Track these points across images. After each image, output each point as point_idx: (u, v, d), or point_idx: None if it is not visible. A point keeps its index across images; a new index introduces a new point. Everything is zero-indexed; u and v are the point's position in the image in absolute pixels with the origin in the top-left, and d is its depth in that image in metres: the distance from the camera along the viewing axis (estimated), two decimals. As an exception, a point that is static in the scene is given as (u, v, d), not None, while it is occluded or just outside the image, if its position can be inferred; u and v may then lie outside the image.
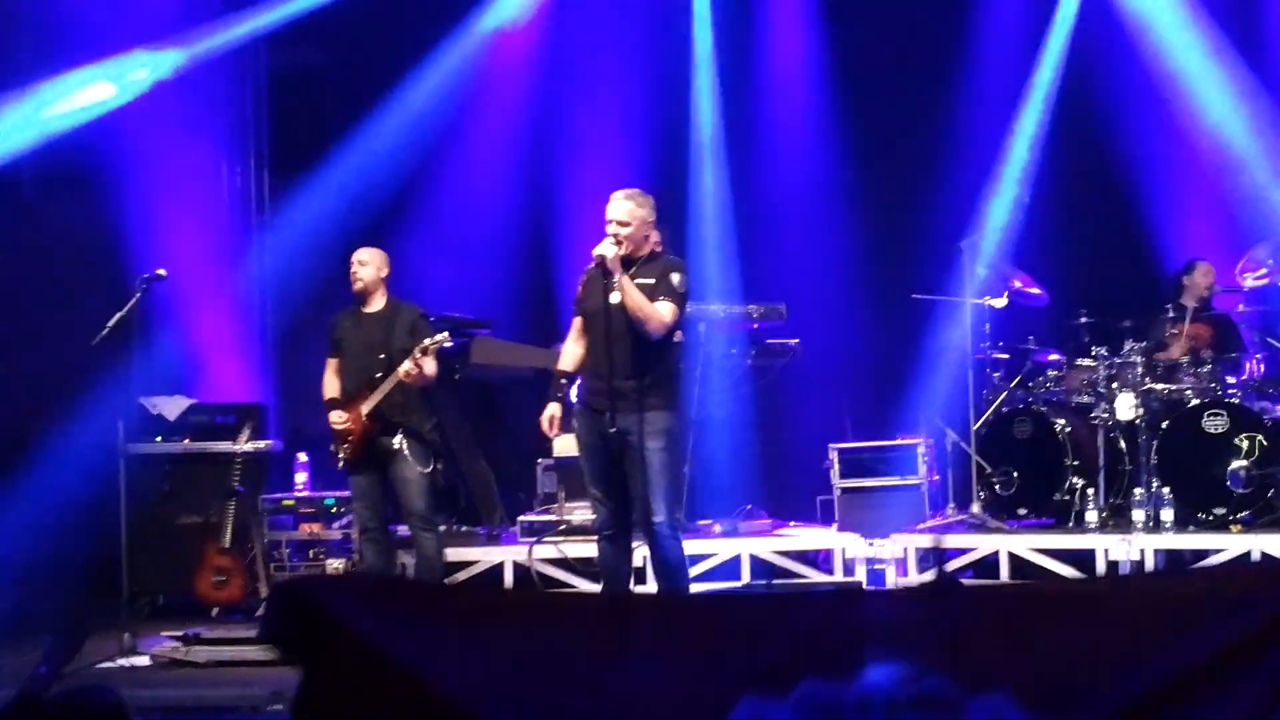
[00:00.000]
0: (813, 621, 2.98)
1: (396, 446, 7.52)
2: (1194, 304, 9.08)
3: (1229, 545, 7.77)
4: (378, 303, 7.76)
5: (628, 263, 6.76)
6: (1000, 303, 9.12)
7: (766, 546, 8.66)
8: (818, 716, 1.91)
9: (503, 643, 3.01)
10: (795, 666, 2.66)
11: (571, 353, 7.01)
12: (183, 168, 9.73)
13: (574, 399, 7.09)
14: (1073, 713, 2.70)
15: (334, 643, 3.02)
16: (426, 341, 7.46)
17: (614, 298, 6.70)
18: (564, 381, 7.01)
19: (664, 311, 6.71)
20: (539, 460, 9.33)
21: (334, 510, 8.77)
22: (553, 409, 6.96)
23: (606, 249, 6.70)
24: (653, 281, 6.76)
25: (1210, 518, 8.08)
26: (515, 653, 3.00)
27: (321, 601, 3.08)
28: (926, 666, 1.80)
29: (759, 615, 3.15)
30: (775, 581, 8.23)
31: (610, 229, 6.75)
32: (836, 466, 9.19)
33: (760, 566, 8.53)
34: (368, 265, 7.72)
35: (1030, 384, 8.96)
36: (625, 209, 6.79)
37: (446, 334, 7.61)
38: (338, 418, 7.59)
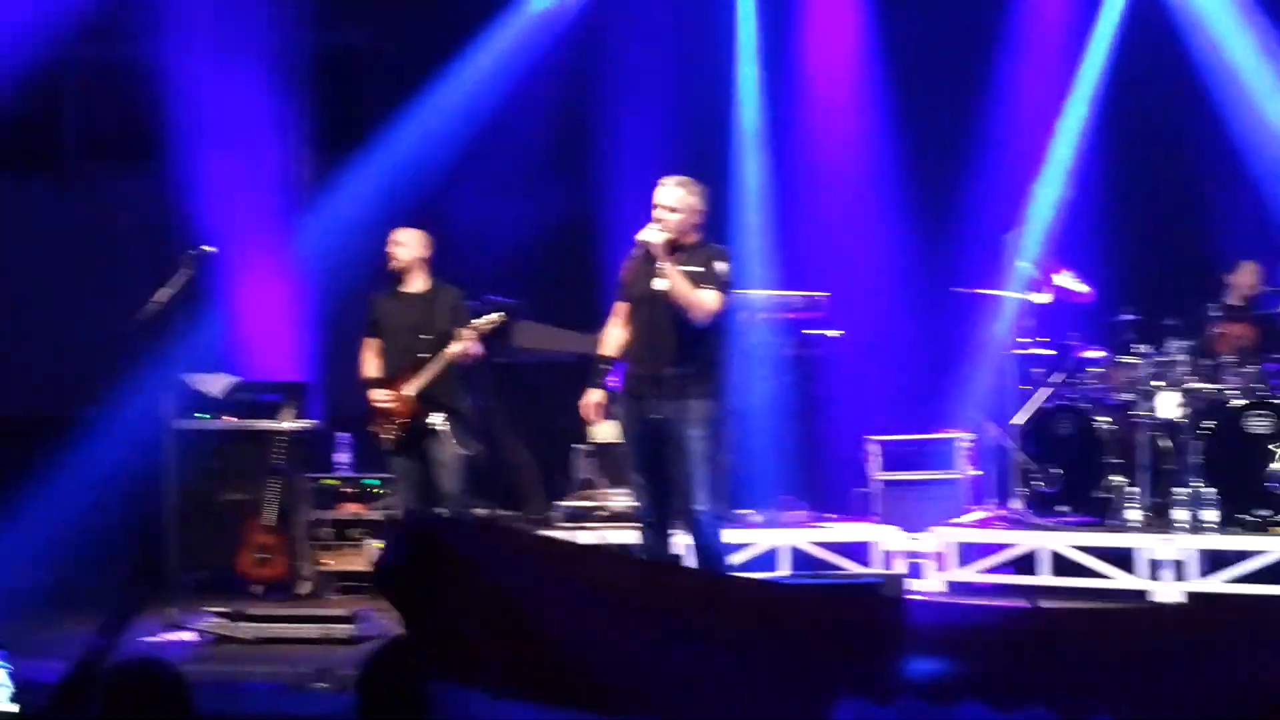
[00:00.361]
0: (912, 629, 2.99)
1: (439, 427, 7.53)
2: (1239, 303, 9.05)
3: (1272, 547, 7.75)
4: (418, 283, 7.78)
5: (673, 250, 6.77)
6: (1044, 298, 9.09)
7: (805, 538, 8.66)
8: None
9: (610, 598, 3.05)
10: (894, 675, 2.69)
11: (614, 338, 7.01)
12: (232, 146, 9.77)
13: (612, 384, 7.11)
14: None
15: (453, 578, 3.04)
16: (482, 320, 7.48)
17: (658, 284, 6.71)
18: (604, 367, 7.02)
19: (709, 299, 6.71)
20: (576, 446, 9.35)
21: (375, 491, 8.80)
22: (595, 395, 6.97)
23: (651, 234, 6.70)
24: (699, 269, 6.77)
25: (1253, 519, 8.05)
26: (625, 610, 3.05)
27: (444, 538, 3.12)
28: (1026, 693, 1.81)
29: (858, 613, 3.18)
30: (819, 573, 8.24)
31: (657, 214, 6.76)
32: (876, 459, 9.19)
33: (799, 557, 8.54)
34: (405, 245, 7.75)
35: (1073, 381, 8.93)
36: (675, 195, 6.79)
37: (503, 314, 7.62)
38: (382, 396, 7.61)
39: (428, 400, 7.57)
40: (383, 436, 7.70)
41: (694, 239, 6.88)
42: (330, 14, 9.96)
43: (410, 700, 3.09)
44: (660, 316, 6.73)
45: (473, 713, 3.18)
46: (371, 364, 7.79)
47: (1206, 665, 2.80)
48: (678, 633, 3.10)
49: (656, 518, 6.93)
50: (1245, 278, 9.12)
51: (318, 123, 10.46)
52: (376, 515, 8.71)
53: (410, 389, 7.60)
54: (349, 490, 8.84)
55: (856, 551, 8.64)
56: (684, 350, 6.73)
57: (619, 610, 3.13)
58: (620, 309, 7.00)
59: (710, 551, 6.86)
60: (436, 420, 7.56)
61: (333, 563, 8.65)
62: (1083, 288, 9.12)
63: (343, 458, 8.96)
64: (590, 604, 3.14)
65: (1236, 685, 2.77)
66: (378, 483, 8.71)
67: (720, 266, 6.81)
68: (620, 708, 3.07)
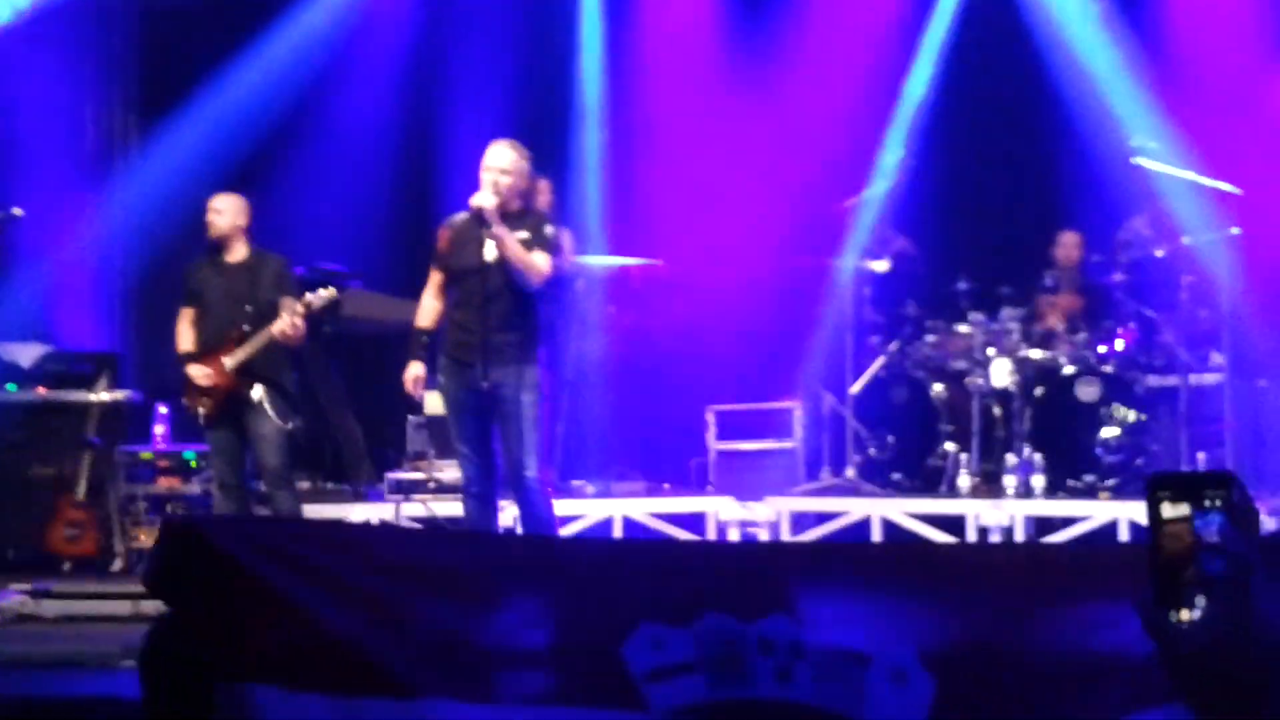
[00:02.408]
0: (718, 566, 2.93)
1: (256, 400, 7.27)
2: (1066, 273, 9.12)
3: (1097, 513, 7.81)
4: (239, 252, 7.49)
5: (502, 216, 6.61)
6: (881, 266, 9.08)
7: (639, 508, 8.55)
8: (718, 649, 1.82)
9: (389, 575, 2.91)
10: (699, 603, 2.60)
11: (431, 308, 6.85)
12: (43, 105, 9.35)
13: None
14: (969, 681, 2.64)
15: (222, 575, 2.89)
16: (310, 298, 7.23)
17: (489, 252, 6.55)
18: (425, 339, 6.84)
19: (542, 263, 6.61)
20: (409, 417, 9.13)
21: (193, 465, 8.49)
22: (416, 369, 6.80)
23: (485, 199, 6.53)
24: (527, 234, 6.63)
25: (1081, 485, 8.11)
26: (402, 582, 2.91)
27: (208, 537, 2.98)
28: (834, 619, 1.74)
29: (660, 556, 3.10)
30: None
31: (490, 176, 6.60)
32: (713, 428, 9.11)
33: (632, 528, 8.43)
34: (223, 213, 7.45)
35: (908, 349, 8.93)
36: (508, 158, 6.66)
37: (333, 290, 7.39)
38: (199, 372, 7.31)
39: (248, 372, 7.30)
40: (199, 410, 7.41)
41: (518, 205, 6.73)
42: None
43: (193, 686, 2.94)
44: (491, 283, 6.57)
45: (263, 706, 2.99)
46: (187, 336, 7.48)
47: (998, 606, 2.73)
48: (464, 600, 2.96)
49: (482, 488, 6.78)
50: (1066, 249, 9.19)
51: (140, 84, 10.05)
52: (194, 489, 8.40)
53: (230, 361, 7.31)
54: (165, 464, 8.51)
55: (692, 522, 8.54)
56: (515, 316, 6.62)
57: (403, 588, 2.97)
58: (436, 278, 6.84)
59: (541, 522, 6.71)
60: (256, 393, 7.29)
61: (147, 539, 8.31)
62: (914, 255, 9.11)
63: (159, 430, 8.63)
64: (370, 585, 2.98)
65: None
66: (195, 456, 8.40)
67: (549, 229, 6.74)
68: (418, 690, 2.91)
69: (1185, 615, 1.51)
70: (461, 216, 6.74)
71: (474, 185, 6.65)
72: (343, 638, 2.90)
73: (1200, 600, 1.51)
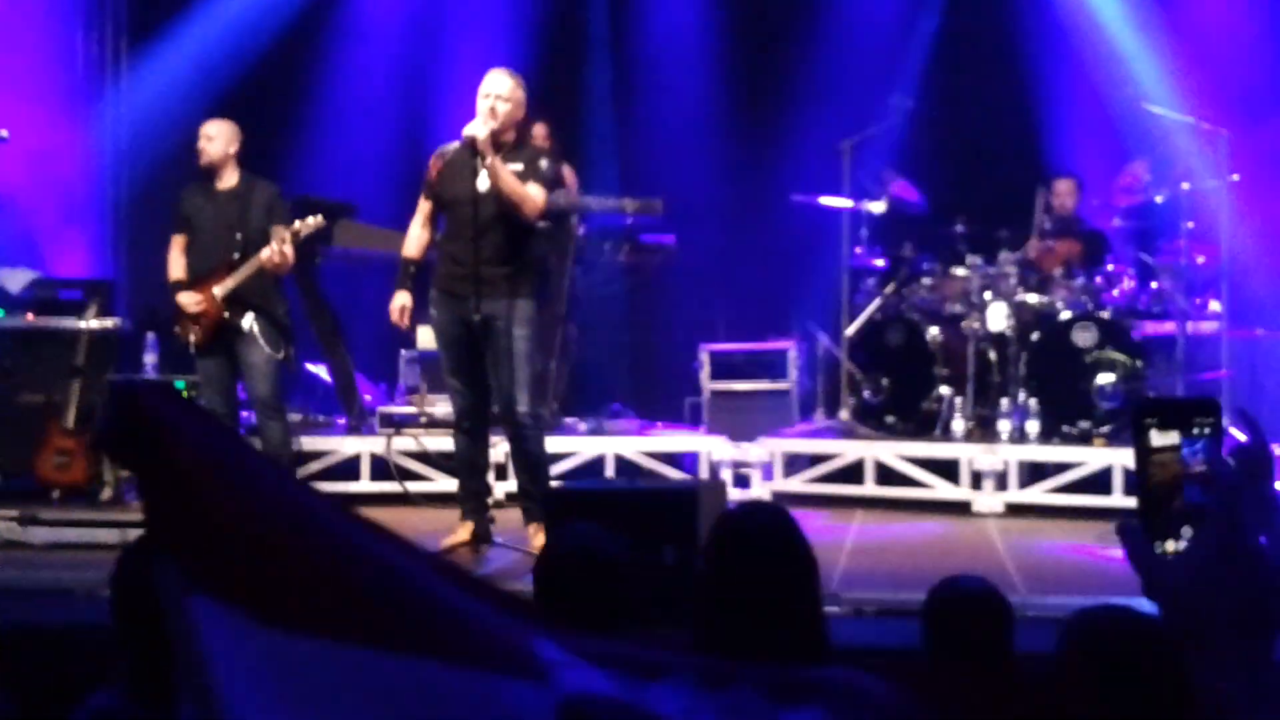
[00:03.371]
0: None
1: (247, 329, 7.22)
2: (1062, 218, 9.05)
3: (1090, 459, 7.78)
4: (229, 179, 7.41)
5: (497, 147, 6.52)
6: (879, 207, 9.00)
7: (632, 446, 8.51)
8: None
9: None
10: None
11: (419, 239, 6.78)
12: (30, 28, 9.21)
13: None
14: None
15: (170, 448, 2.75)
16: (298, 225, 7.15)
17: (482, 182, 6.47)
18: (413, 269, 6.76)
19: (537, 195, 6.52)
20: (402, 351, 9.08)
21: (185, 394, 8.41)
22: (403, 298, 6.74)
23: (478, 129, 6.44)
24: (521, 167, 6.55)
25: (1075, 431, 8.08)
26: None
27: (158, 408, 2.84)
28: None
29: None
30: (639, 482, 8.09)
31: (487, 103, 6.50)
32: (707, 368, 9.06)
33: (624, 466, 8.40)
34: (215, 140, 7.36)
35: (904, 291, 8.86)
36: (507, 84, 6.56)
37: (320, 218, 7.32)
38: (189, 299, 7.25)
39: (238, 301, 7.24)
40: (190, 338, 7.36)
41: (513, 137, 6.64)
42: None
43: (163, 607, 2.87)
44: (483, 214, 6.49)
45: (232, 637, 2.82)
46: (178, 263, 7.41)
47: None
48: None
49: (474, 423, 6.74)
50: (1061, 196, 9.11)
51: (129, 6, 9.89)
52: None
53: (220, 289, 7.25)
54: (156, 392, 8.43)
55: (684, 461, 8.51)
56: (509, 248, 6.54)
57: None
58: (425, 208, 6.77)
59: (532, 457, 6.69)
60: (246, 321, 7.23)
61: (137, 468, 8.26)
62: (913, 199, 9.04)
63: (149, 359, 8.55)
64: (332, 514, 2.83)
65: None
66: (185, 385, 8.33)
67: (544, 163, 6.67)
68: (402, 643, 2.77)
69: (1171, 546, 1.47)
70: (454, 146, 6.65)
71: (470, 116, 6.56)
72: (304, 558, 2.72)
73: (1186, 531, 1.46)
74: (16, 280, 8.41)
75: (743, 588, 2.76)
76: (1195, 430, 1.52)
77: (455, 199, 6.59)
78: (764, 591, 2.74)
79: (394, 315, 6.76)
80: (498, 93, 6.52)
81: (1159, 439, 1.52)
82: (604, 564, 3.29)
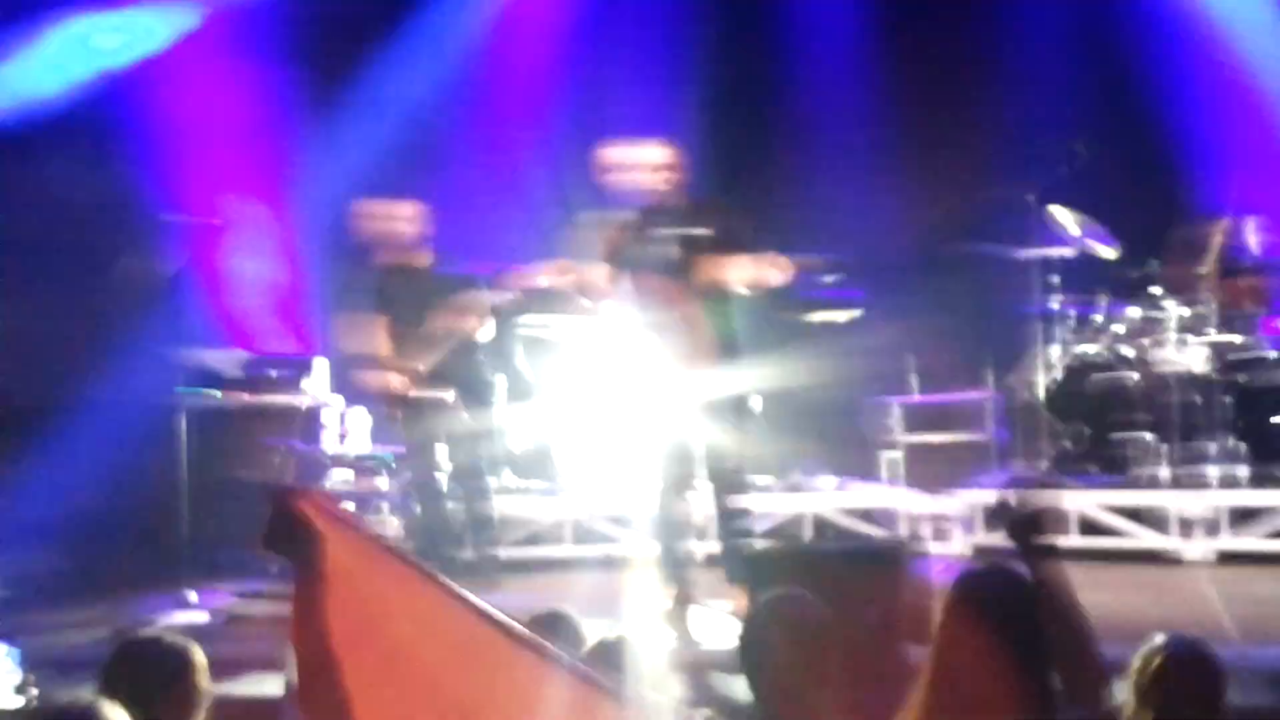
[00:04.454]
0: None
1: (449, 401, 7.47)
2: (1249, 255, 8.82)
3: (1301, 502, 7.57)
4: (423, 259, 7.69)
5: (668, 212, 6.61)
6: (1069, 253, 8.89)
7: (829, 504, 8.51)
8: None
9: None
10: None
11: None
12: (225, 112, 9.63)
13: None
14: None
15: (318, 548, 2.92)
16: (493, 297, 7.42)
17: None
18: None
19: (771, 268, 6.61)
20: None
21: (392, 465, 8.68)
22: None
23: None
24: (711, 232, 6.60)
25: (1286, 475, 7.85)
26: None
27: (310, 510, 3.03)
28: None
29: None
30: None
31: (658, 176, 6.61)
32: (901, 421, 9.03)
33: (822, 524, 8.40)
34: (412, 221, 7.66)
35: (1100, 337, 8.72)
36: (665, 154, 6.65)
37: (519, 292, 7.56)
38: (395, 380, 7.54)
39: (439, 375, 7.50)
40: (394, 411, 7.64)
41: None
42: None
43: None
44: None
45: None
46: (370, 340, 7.69)
47: None
48: None
49: (678, 485, 6.79)
50: (1248, 233, 8.87)
51: (311, 88, 10.21)
52: (390, 489, 8.58)
53: (423, 364, 7.51)
54: (365, 464, 8.71)
55: (880, 517, 8.47)
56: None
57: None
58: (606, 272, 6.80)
59: (739, 514, 6.74)
60: (448, 394, 7.48)
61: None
62: (1109, 251, 8.87)
63: (356, 431, 8.84)
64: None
65: None
66: (391, 457, 8.59)
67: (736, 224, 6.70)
68: None
69: None
70: (627, 215, 6.72)
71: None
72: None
73: None
74: (229, 361, 8.77)
75: (982, 656, 2.80)
76: None
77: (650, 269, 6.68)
78: (1002, 661, 2.78)
79: None
80: (665, 163, 6.64)
81: None
82: (808, 630, 3.32)
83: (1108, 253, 8.80)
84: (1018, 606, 2.89)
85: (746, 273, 6.57)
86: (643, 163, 6.64)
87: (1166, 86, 9.62)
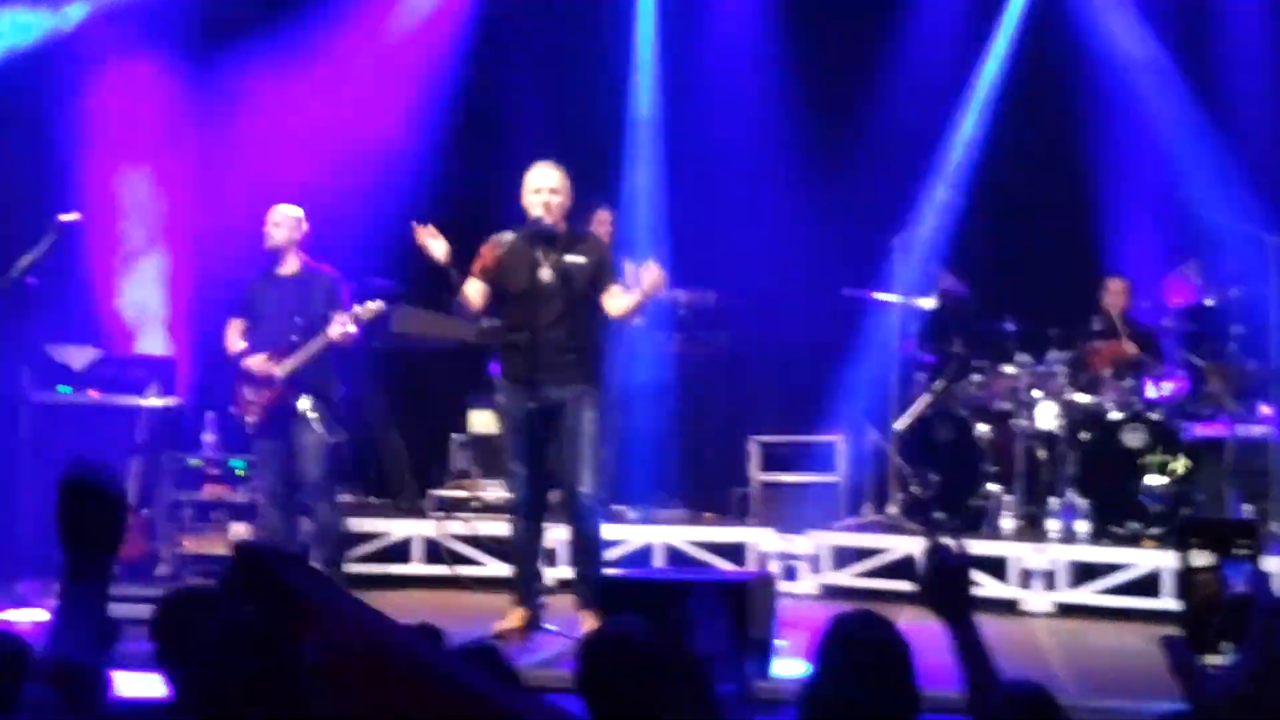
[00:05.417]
0: None
1: (302, 411, 7.38)
2: (1113, 318, 9.11)
3: (1140, 560, 7.77)
4: (291, 265, 7.64)
5: (553, 236, 6.66)
6: (929, 303, 9.09)
7: (681, 536, 8.56)
8: None
9: None
10: None
11: (479, 292, 6.82)
12: (115, 110, 9.46)
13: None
14: None
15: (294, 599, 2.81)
16: (359, 310, 7.35)
17: (544, 274, 6.62)
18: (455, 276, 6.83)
19: (630, 303, 6.72)
20: (453, 435, 9.19)
21: (240, 474, 8.55)
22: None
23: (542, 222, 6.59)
24: (583, 260, 6.71)
25: (1125, 532, 8.07)
26: None
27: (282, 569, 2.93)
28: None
29: None
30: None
31: (540, 198, 6.64)
32: (756, 459, 9.12)
33: (674, 556, 8.44)
34: (280, 226, 7.61)
35: (954, 387, 8.92)
36: (556, 177, 6.75)
37: (381, 303, 7.51)
38: (257, 363, 7.44)
39: (296, 384, 7.40)
40: (247, 418, 7.53)
41: (564, 227, 6.78)
42: None
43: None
44: (551, 305, 6.65)
45: None
46: (237, 341, 7.61)
47: None
48: None
49: (532, 508, 6.81)
50: (1113, 295, 9.16)
51: (194, 90, 10.09)
52: (239, 498, 8.44)
53: (280, 371, 7.42)
54: (213, 471, 8.56)
55: (733, 552, 8.54)
56: (577, 336, 6.71)
57: None
58: (479, 286, 6.81)
59: (591, 541, 6.79)
60: (302, 404, 7.39)
61: (192, 545, 8.37)
62: (927, 302, 9.06)
63: (208, 437, 8.69)
64: None
65: None
66: (243, 465, 8.45)
67: (610, 258, 6.88)
68: None
69: (1213, 660, 1.53)
70: (508, 235, 6.77)
71: (515, 206, 6.77)
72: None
73: (1227, 646, 1.54)
74: (80, 357, 8.57)
75: (852, 707, 2.82)
76: (1235, 551, 1.59)
77: (520, 290, 6.70)
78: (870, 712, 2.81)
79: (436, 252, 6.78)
80: (550, 186, 6.67)
81: (1200, 559, 1.60)
82: (643, 655, 3.33)
83: (926, 303, 9.00)
84: (895, 652, 2.92)
85: (625, 301, 6.69)
86: (536, 186, 6.68)
87: (1045, 143, 9.86)
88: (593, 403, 6.68)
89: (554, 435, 6.67)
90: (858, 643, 2.97)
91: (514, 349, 6.75)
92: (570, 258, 6.68)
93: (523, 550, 6.87)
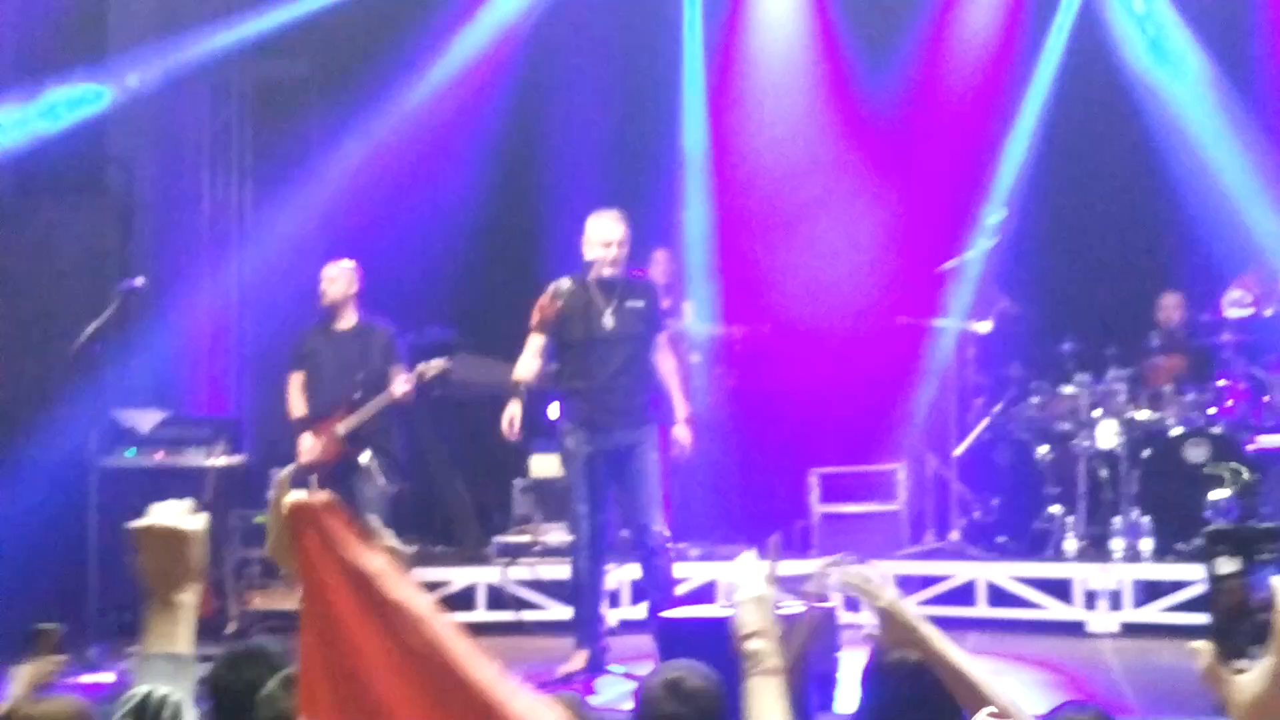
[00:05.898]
0: None
1: (364, 464, 7.49)
2: (1170, 334, 9.04)
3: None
4: (348, 319, 7.75)
5: (612, 283, 6.82)
6: (985, 327, 9.06)
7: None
8: None
9: None
10: None
11: (531, 367, 7.02)
12: (164, 178, 9.66)
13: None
14: None
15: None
16: (424, 367, 7.48)
17: (608, 320, 6.80)
18: (522, 390, 6.98)
19: (668, 356, 7.13)
20: (515, 481, 9.25)
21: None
22: (514, 408, 6.91)
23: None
24: (642, 305, 6.95)
25: (1189, 548, 7.97)
26: None
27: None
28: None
29: None
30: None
31: (609, 252, 6.83)
32: (816, 491, 9.11)
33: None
34: (335, 281, 7.72)
35: (1013, 410, 8.88)
36: (620, 230, 6.92)
37: (446, 361, 7.63)
38: (307, 444, 7.56)
39: (357, 438, 7.53)
40: (312, 474, 7.64)
41: (623, 273, 6.94)
42: (268, 45, 9.83)
43: None
44: (615, 351, 6.85)
45: None
46: (299, 401, 7.74)
47: None
48: None
49: (595, 549, 6.93)
50: (1168, 310, 9.10)
51: (255, 154, 10.31)
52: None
53: (343, 427, 7.55)
54: (279, 527, 8.65)
55: (798, 585, 8.50)
56: (640, 379, 6.94)
57: None
58: (538, 342, 7.02)
59: (666, 577, 6.88)
60: (364, 458, 7.51)
61: (261, 602, 8.49)
62: (983, 326, 9.03)
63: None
64: None
65: None
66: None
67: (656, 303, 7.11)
68: None
69: (1242, 665, 1.55)
70: (567, 283, 6.89)
71: (575, 248, 6.88)
72: None
73: (1255, 651, 1.55)
74: (147, 420, 8.73)
75: None
76: (1261, 557, 1.61)
77: (582, 338, 6.82)
78: None
79: (504, 426, 6.92)
80: (616, 239, 6.82)
81: (1226, 566, 1.62)
82: (699, 698, 3.37)
83: (982, 327, 8.96)
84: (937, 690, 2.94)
85: (667, 365, 7.09)
86: (596, 238, 6.84)
87: (1095, 160, 9.82)
88: (655, 443, 6.88)
89: (619, 477, 6.82)
90: (903, 679, 2.99)
91: (577, 394, 6.86)
92: (630, 303, 6.88)
93: (585, 591, 6.93)
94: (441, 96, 10.06)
